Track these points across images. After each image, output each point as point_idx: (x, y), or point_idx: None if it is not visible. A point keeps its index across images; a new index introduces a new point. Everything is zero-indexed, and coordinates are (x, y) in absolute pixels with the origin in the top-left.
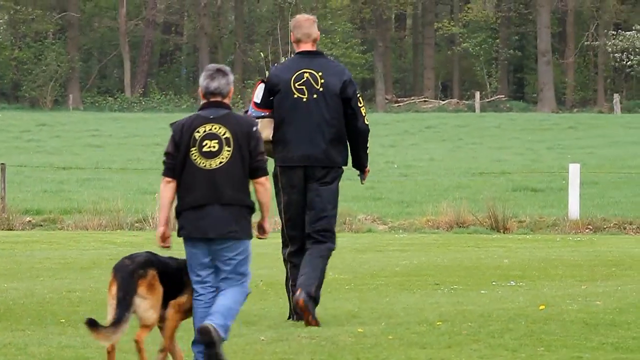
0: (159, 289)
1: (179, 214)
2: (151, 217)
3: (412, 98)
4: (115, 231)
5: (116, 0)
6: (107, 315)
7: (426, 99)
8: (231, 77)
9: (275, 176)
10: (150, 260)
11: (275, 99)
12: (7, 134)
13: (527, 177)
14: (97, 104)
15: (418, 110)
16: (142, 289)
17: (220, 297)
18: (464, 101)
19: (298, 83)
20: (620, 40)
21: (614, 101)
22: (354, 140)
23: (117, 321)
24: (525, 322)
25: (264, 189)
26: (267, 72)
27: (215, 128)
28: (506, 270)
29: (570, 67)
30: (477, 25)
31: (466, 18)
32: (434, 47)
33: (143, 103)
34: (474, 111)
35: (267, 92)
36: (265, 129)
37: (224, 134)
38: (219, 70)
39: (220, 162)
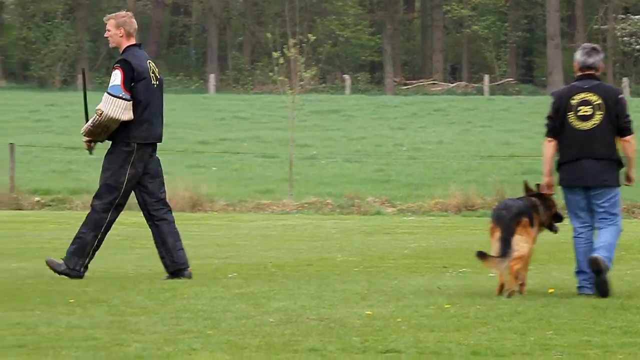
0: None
1: (559, 166)
2: None
3: (421, 81)
4: (125, 212)
5: None
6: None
7: (435, 82)
8: (602, 55)
9: (127, 152)
10: (522, 210)
11: (139, 85)
12: (16, 114)
13: (536, 161)
14: (105, 85)
15: (427, 93)
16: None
17: (601, 235)
18: (472, 84)
19: (150, 72)
20: (628, 24)
21: (623, 85)
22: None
23: (503, 254)
24: (534, 306)
25: (630, 145)
26: (275, 54)
27: (589, 96)
28: None
29: None
30: (486, 8)
31: (475, 1)
32: (443, 30)
33: None
34: (483, 94)
35: (131, 79)
36: (129, 110)
37: (596, 101)
38: (594, 49)
39: (594, 124)
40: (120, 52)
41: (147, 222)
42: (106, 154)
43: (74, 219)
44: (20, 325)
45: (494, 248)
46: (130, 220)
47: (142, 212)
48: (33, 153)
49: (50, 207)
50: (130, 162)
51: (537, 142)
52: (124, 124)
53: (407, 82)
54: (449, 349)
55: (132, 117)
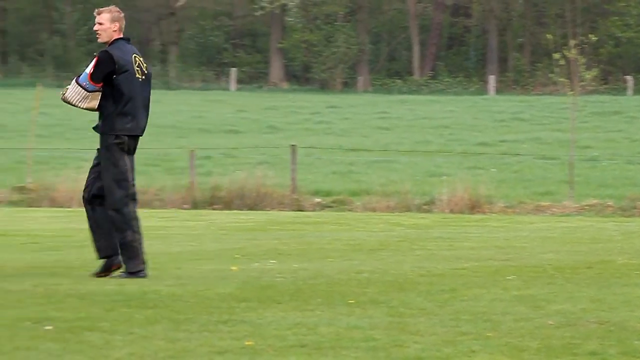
0: None
1: None
2: (439, 199)
3: None
4: (404, 213)
5: None
6: None
7: None
8: None
9: (119, 143)
10: None
11: (121, 78)
12: (298, 116)
13: None
14: (385, 86)
15: None
16: None
17: None
18: None
19: (135, 65)
20: None
21: None
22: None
23: None
24: None
25: None
26: (555, 55)
27: None
28: None
29: None
30: None
31: None
32: None
33: (431, 86)
34: None
35: (109, 72)
36: (94, 100)
37: None
38: None
39: None
40: (107, 45)
41: (87, 204)
42: (99, 150)
43: (355, 220)
44: (301, 325)
45: None
46: (410, 222)
47: (83, 193)
48: (314, 155)
49: (330, 208)
50: (126, 152)
51: None
52: (106, 117)
53: None
54: None
55: (95, 107)
